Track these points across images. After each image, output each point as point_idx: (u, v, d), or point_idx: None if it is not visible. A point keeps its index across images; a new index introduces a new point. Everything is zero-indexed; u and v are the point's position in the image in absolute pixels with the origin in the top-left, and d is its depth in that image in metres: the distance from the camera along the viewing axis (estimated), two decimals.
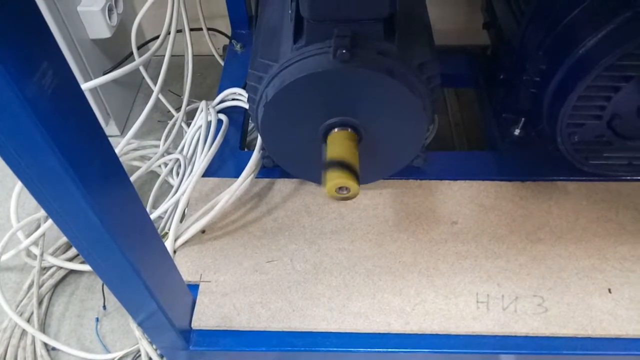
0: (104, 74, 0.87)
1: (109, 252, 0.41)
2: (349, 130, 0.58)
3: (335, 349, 0.59)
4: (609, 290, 0.61)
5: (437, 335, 0.59)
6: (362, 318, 0.60)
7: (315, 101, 0.57)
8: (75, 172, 0.33)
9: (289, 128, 0.61)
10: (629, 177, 0.71)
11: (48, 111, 0.30)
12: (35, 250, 0.78)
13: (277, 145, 0.64)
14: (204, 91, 1.11)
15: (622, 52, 0.55)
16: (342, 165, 0.52)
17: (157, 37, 0.83)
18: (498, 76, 0.78)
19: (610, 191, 0.70)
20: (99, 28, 0.89)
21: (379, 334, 0.59)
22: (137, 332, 0.68)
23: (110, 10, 0.90)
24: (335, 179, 0.51)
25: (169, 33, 0.83)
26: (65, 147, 0.32)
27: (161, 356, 0.68)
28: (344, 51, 0.53)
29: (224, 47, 1.02)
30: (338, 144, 0.56)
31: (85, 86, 0.76)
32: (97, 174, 0.36)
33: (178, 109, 0.92)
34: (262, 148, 0.71)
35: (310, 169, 0.67)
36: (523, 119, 0.73)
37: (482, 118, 0.86)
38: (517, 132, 0.74)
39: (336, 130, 0.58)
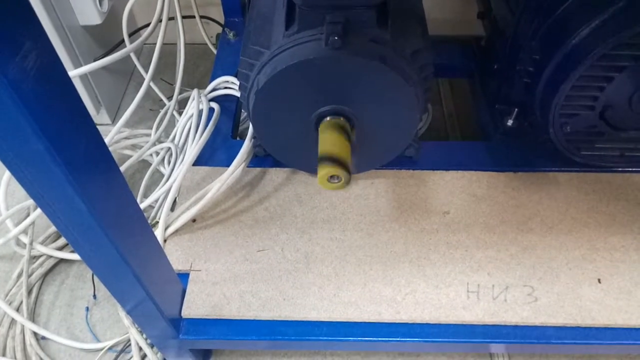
0: (95, 61, 0.86)
1: (97, 240, 0.41)
2: (341, 118, 0.58)
3: (326, 338, 0.59)
4: (599, 280, 0.61)
5: (427, 324, 0.59)
6: (352, 307, 0.60)
7: (307, 89, 0.56)
8: (60, 156, 0.33)
9: (280, 116, 0.60)
10: (620, 169, 0.71)
11: (31, 93, 0.30)
12: (25, 239, 0.77)
13: (269, 133, 0.64)
14: (197, 79, 1.10)
15: (615, 42, 0.54)
16: (332, 160, 0.52)
17: (149, 24, 0.82)
18: (492, 66, 0.78)
19: (601, 182, 0.70)
20: (90, 14, 0.88)
21: (370, 323, 0.59)
22: (126, 321, 0.68)
23: None
24: (325, 172, 0.51)
25: (160, 20, 0.82)
26: (49, 129, 0.31)
27: (151, 345, 0.68)
28: (336, 38, 0.52)
29: (217, 35, 1.01)
30: (329, 137, 0.55)
31: (75, 73, 0.74)
32: (83, 158, 0.36)
33: (170, 98, 0.91)
34: (254, 137, 0.71)
35: (302, 157, 0.67)
36: (516, 109, 0.73)
37: (476, 108, 0.85)
38: (510, 122, 0.74)
39: (328, 118, 0.58)
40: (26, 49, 0.29)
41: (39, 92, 0.30)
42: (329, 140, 0.55)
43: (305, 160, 0.67)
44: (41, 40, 0.30)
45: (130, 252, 0.44)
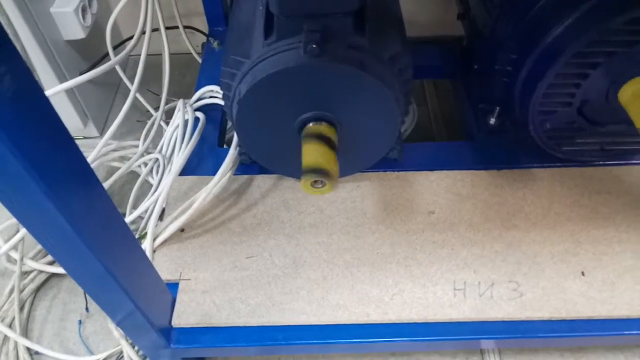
0: (80, 74, 0.86)
1: (82, 255, 0.41)
2: (324, 123, 0.59)
3: (315, 341, 0.60)
4: (582, 273, 0.62)
5: (415, 323, 0.60)
6: (341, 310, 0.60)
7: (289, 96, 0.57)
8: (40, 175, 0.33)
9: (263, 124, 0.61)
10: (601, 162, 0.72)
11: (8, 115, 0.30)
12: (15, 255, 0.77)
13: (253, 141, 0.64)
14: (183, 89, 1.10)
15: (588, 40, 0.56)
16: (316, 171, 0.52)
17: (133, 36, 0.82)
18: (472, 66, 0.79)
19: (583, 177, 0.71)
20: (73, 29, 0.88)
21: (358, 324, 0.60)
22: (117, 333, 0.68)
23: (84, 10, 0.89)
24: (309, 181, 0.52)
25: (144, 32, 0.82)
26: (27, 151, 0.32)
27: (143, 356, 0.68)
28: (314, 46, 0.53)
29: (203, 45, 1.02)
30: (311, 148, 0.55)
31: (60, 88, 0.75)
32: (63, 176, 0.36)
33: (157, 108, 0.91)
34: (239, 145, 0.71)
35: (287, 163, 0.67)
36: (498, 108, 0.74)
37: (459, 108, 0.86)
38: (492, 121, 0.75)
39: (311, 124, 0.59)
40: (1, 73, 0.29)
41: (15, 114, 0.31)
42: (311, 152, 0.55)
43: (290, 166, 0.67)
44: (16, 63, 0.31)
45: (116, 265, 0.45)
